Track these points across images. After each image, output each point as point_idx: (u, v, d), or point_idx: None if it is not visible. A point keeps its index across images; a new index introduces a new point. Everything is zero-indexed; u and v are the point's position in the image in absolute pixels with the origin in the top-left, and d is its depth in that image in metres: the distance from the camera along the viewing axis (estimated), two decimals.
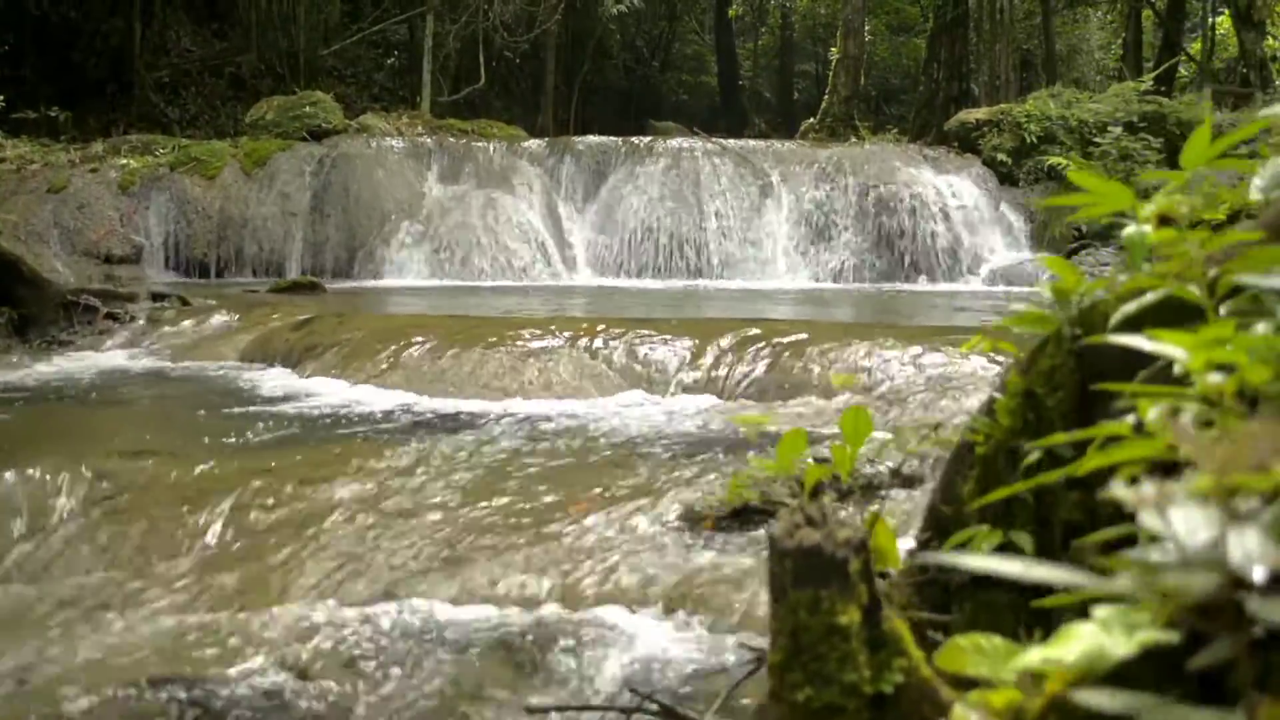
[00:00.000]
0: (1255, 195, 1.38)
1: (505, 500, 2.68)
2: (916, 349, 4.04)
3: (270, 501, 2.72)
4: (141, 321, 5.98)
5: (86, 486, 2.88)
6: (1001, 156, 12.91)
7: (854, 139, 20.83)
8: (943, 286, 9.75)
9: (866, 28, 22.68)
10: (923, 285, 9.80)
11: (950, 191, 10.63)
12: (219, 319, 5.88)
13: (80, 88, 17.08)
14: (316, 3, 20.79)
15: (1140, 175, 11.83)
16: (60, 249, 10.19)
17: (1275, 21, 20.24)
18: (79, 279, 10.09)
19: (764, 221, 10.56)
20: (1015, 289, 9.41)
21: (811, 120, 21.54)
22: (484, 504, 2.66)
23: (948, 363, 3.95)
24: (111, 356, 5.28)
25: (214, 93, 18.97)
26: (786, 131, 29.91)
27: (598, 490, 2.71)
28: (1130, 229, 1.44)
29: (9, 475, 2.88)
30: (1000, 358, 4.02)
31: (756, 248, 10.45)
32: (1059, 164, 12.53)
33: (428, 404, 3.87)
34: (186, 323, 5.81)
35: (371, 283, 9.72)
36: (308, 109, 11.85)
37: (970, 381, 3.71)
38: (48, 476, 2.90)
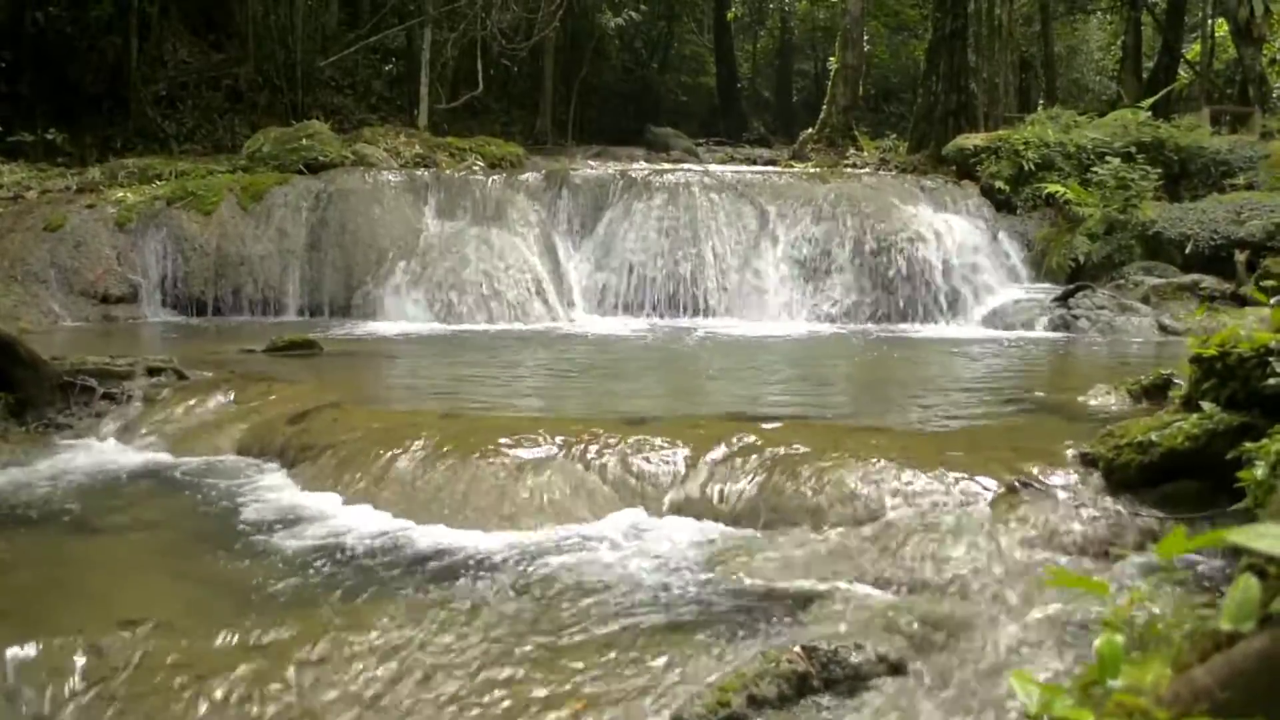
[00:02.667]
0: (1225, 625, 1.40)
1: (500, 694, 2.71)
2: (909, 474, 4.06)
3: (264, 693, 2.75)
4: (138, 401, 5.99)
5: (84, 665, 2.91)
6: (999, 184, 12.92)
7: (853, 150, 20.85)
8: (939, 331, 9.75)
9: (865, 37, 22.61)
10: (920, 330, 9.81)
11: (947, 231, 10.62)
12: (215, 400, 5.90)
13: (77, 104, 17.05)
14: (314, 12, 20.70)
15: (1139, 207, 11.86)
16: (58, 289, 10.20)
17: (1276, 30, 20.16)
18: (76, 320, 10.12)
19: (762, 260, 10.56)
20: (1011, 335, 9.42)
21: (810, 130, 21.52)
22: (478, 699, 2.69)
23: (938, 490, 3.97)
24: (108, 450, 5.29)
25: (211, 105, 18.93)
26: (786, 134, 29.90)
27: (590, 684, 2.74)
28: (1101, 639, 1.46)
29: (13, 652, 2.91)
30: (988, 485, 4.06)
31: (754, 287, 10.46)
32: (1057, 192, 12.54)
33: (422, 537, 3.89)
34: (182, 407, 5.83)
35: (370, 327, 9.72)
36: (304, 141, 11.83)
37: (961, 519, 3.73)
38: (46, 654, 2.93)
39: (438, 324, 9.82)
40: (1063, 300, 9.79)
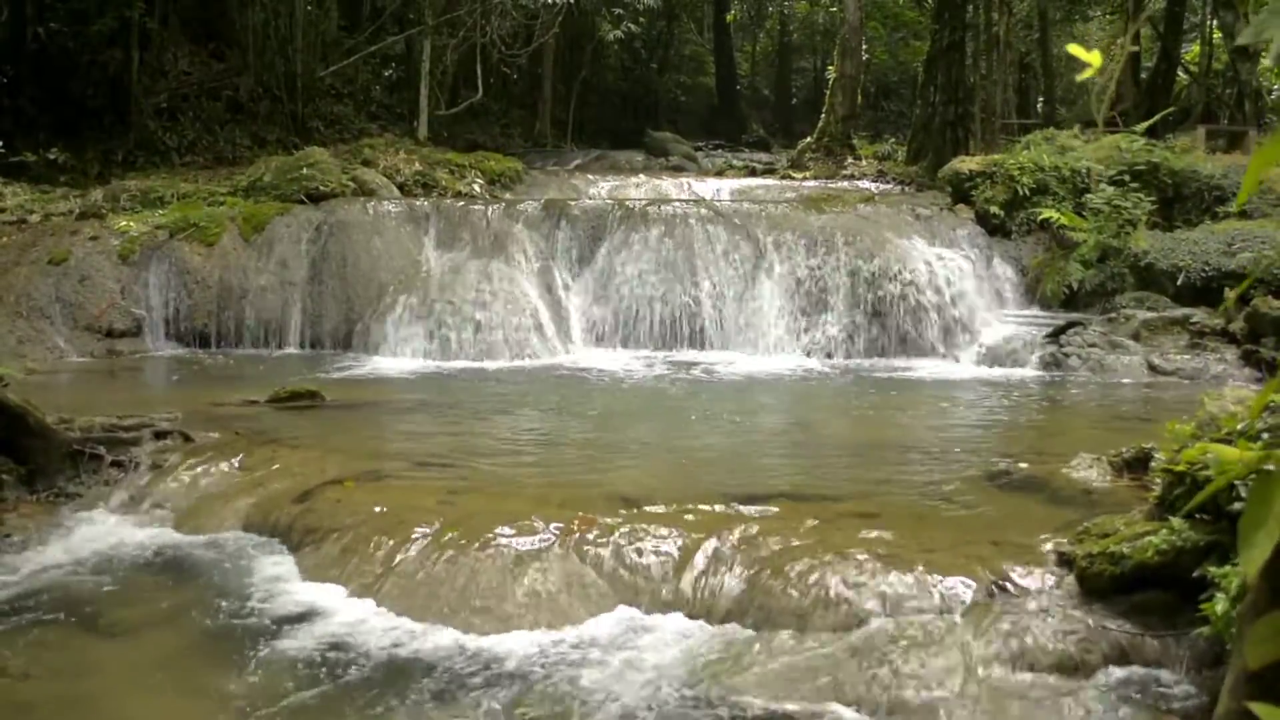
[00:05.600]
0: None
1: None
2: (891, 577, 4.21)
3: None
4: (146, 469, 6.15)
5: None
6: (994, 209, 13.03)
7: (851, 159, 20.95)
8: (933, 369, 9.87)
9: (864, 45, 22.66)
10: (914, 367, 9.92)
11: (941, 266, 10.75)
12: (221, 468, 6.06)
13: (78, 118, 17.14)
14: (313, 21, 20.73)
15: (1132, 235, 11.98)
16: (63, 324, 10.34)
17: None
18: (81, 355, 10.27)
19: (758, 293, 10.70)
20: (1003, 373, 9.55)
21: (809, 139, 21.61)
22: None
23: (918, 595, 4.12)
24: (117, 526, 5.45)
25: (212, 116, 18.99)
26: (785, 134, 29.99)
27: None
28: None
29: None
30: (967, 586, 4.22)
31: (750, 321, 10.60)
32: (1051, 218, 12.65)
33: (422, 641, 4.05)
34: (189, 475, 5.98)
35: (370, 364, 9.86)
36: (305, 170, 11.95)
37: (939, 631, 3.88)
38: None
39: (438, 361, 9.96)
40: (1054, 337, 9.93)
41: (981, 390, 8.75)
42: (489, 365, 9.82)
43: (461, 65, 22.66)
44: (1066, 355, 9.63)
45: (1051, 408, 7.96)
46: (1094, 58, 1.69)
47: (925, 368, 9.90)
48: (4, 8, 16.48)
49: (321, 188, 11.86)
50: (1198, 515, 4.02)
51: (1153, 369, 9.39)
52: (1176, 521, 3.93)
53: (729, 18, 29.99)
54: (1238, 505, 3.75)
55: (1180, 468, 3.98)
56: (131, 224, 11.48)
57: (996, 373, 9.60)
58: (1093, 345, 9.69)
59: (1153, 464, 5.26)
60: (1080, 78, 1.41)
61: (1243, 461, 3.82)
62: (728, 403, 8.08)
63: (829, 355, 10.33)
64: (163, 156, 17.75)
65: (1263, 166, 1.61)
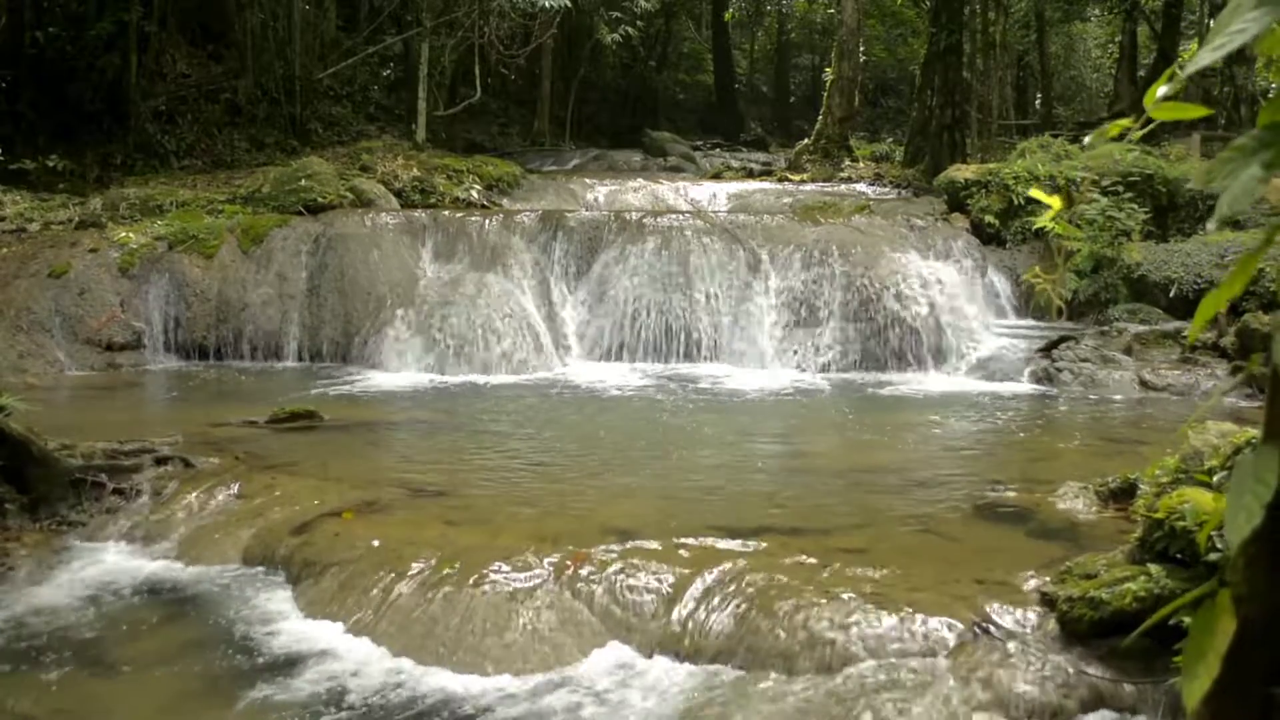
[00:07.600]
0: None
1: None
2: (877, 617, 4.30)
3: None
4: (146, 497, 6.24)
5: None
6: (989, 218, 13.10)
7: (848, 161, 21.00)
8: (926, 383, 9.95)
9: (861, 46, 22.67)
10: (908, 381, 10.00)
11: (935, 280, 10.82)
12: (221, 495, 6.15)
13: (77, 121, 17.20)
14: (311, 22, 20.77)
15: (1124, 246, 12.06)
16: (63, 338, 10.42)
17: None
18: (81, 369, 10.35)
19: (753, 306, 10.78)
20: (995, 388, 9.65)
21: (806, 141, 21.68)
22: None
23: (904, 636, 4.22)
24: (119, 557, 5.54)
25: (210, 119, 19.04)
26: (783, 131, 30.04)
27: None
28: None
29: None
30: (951, 627, 4.31)
31: (745, 333, 10.68)
32: (1045, 227, 12.72)
33: (418, 682, 4.15)
34: (190, 501, 6.08)
35: (368, 379, 9.93)
36: (303, 182, 12.01)
37: (921, 675, 3.97)
38: None
39: (435, 375, 10.04)
40: (1046, 351, 10.02)
41: (974, 407, 8.84)
42: (486, 380, 9.90)
43: (459, 65, 22.69)
44: (1059, 370, 9.72)
45: (1042, 427, 8.05)
46: (1055, 201, 1.78)
47: (918, 382, 9.99)
48: (2, 13, 16.52)
49: (320, 199, 11.93)
50: (1176, 559, 4.12)
51: (1144, 384, 9.48)
52: (1154, 569, 4.02)
53: (727, 15, 30.00)
54: (1214, 555, 3.85)
55: (1159, 514, 4.07)
56: (131, 235, 11.54)
57: (989, 387, 9.69)
58: (1084, 360, 9.78)
59: (1137, 496, 5.37)
60: (1038, 223, 1.50)
61: (1218, 511, 3.93)
62: (721, 423, 8.16)
63: (823, 369, 10.41)
64: (161, 160, 17.82)
65: (1212, 309, 1.69)
